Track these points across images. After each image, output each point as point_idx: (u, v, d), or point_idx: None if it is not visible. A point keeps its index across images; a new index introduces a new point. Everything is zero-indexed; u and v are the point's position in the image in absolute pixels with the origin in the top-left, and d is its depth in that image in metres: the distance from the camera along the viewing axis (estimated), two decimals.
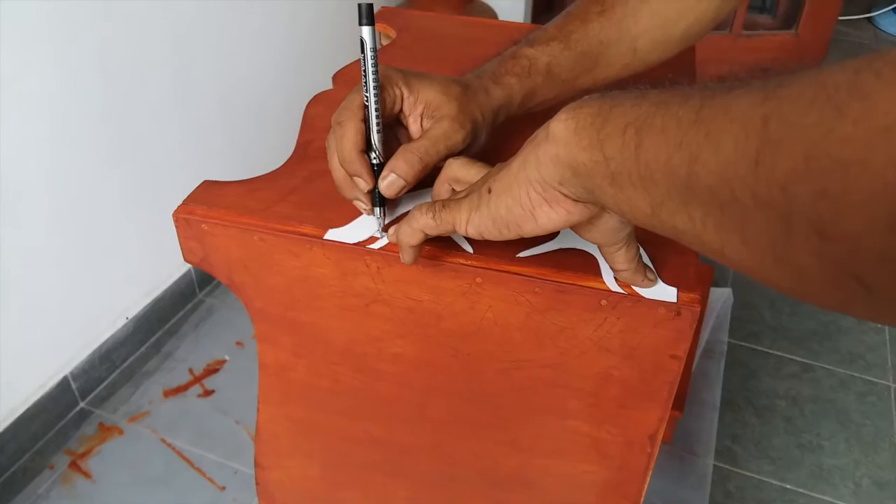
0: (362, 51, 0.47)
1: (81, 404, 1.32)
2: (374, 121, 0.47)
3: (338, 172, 0.49)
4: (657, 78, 0.55)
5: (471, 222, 0.41)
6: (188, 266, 1.51)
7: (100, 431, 1.29)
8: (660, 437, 0.53)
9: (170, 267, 1.47)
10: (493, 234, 0.41)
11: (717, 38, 2.27)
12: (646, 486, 0.57)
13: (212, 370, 1.41)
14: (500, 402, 0.55)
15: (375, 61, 0.47)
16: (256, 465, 0.68)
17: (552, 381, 0.52)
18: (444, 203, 0.43)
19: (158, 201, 1.37)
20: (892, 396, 1.39)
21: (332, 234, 0.50)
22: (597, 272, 0.47)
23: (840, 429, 1.33)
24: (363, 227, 0.51)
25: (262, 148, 1.66)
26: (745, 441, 1.31)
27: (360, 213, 0.52)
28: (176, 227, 0.53)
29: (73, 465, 1.23)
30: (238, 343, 1.47)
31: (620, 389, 0.51)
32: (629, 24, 0.54)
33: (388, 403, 0.59)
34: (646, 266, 0.46)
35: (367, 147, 0.48)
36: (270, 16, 1.54)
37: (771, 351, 1.48)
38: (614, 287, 0.47)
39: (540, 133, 0.38)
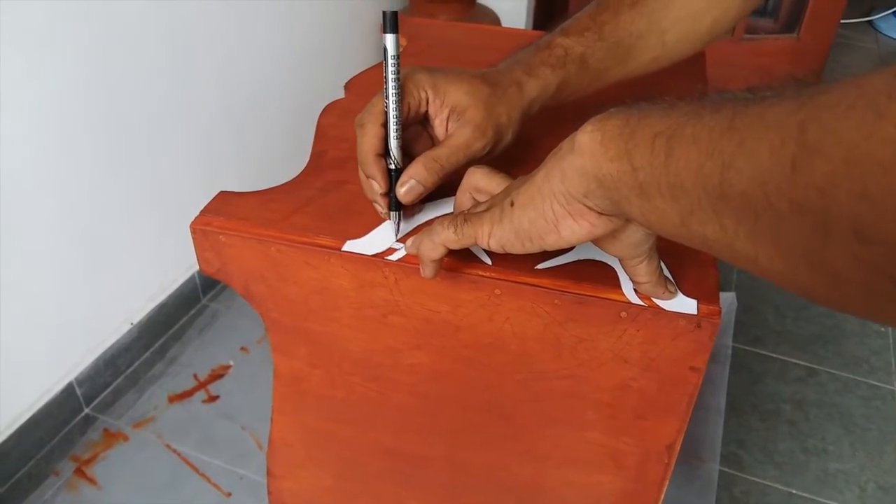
0: (385, 58, 0.47)
1: (86, 410, 1.32)
2: (392, 127, 0.48)
3: (359, 173, 0.50)
4: (669, 85, 0.56)
5: (493, 235, 0.41)
6: (193, 271, 1.50)
7: (105, 437, 1.29)
8: (677, 447, 0.53)
9: (174, 272, 1.47)
10: (515, 248, 0.41)
11: (719, 42, 2.27)
12: (662, 497, 0.57)
13: (217, 375, 1.41)
14: (516, 413, 0.55)
15: (397, 69, 0.47)
16: (269, 474, 0.68)
17: (570, 392, 0.52)
18: (466, 216, 0.43)
19: (162, 207, 1.37)
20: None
21: (350, 246, 0.50)
22: (616, 284, 0.47)
23: (845, 433, 1.33)
24: (381, 239, 0.51)
25: (267, 154, 1.66)
26: (750, 446, 1.31)
27: (377, 225, 0.52)
28: (193, 238, 0.53)
29: (79, 472, 1.23)
30: (243, 349, 1.47)
31: (639, 401, 0.51)
32: (659, 17, 0.55)
33: (403, 413, 0.59)
34: (666, 278, 0.46)
35: (386, 152, 0.49)
36: (274, 20, 1.54)
37: (775, 355, 1.49)
38: (634, 299, 0.47)
39: (564, 145, 0.38)
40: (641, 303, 0.46)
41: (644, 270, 0.44)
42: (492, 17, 2.07)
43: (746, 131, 0.26)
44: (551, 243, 0.39)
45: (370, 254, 0.50)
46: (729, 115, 0.28)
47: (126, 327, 1.37)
